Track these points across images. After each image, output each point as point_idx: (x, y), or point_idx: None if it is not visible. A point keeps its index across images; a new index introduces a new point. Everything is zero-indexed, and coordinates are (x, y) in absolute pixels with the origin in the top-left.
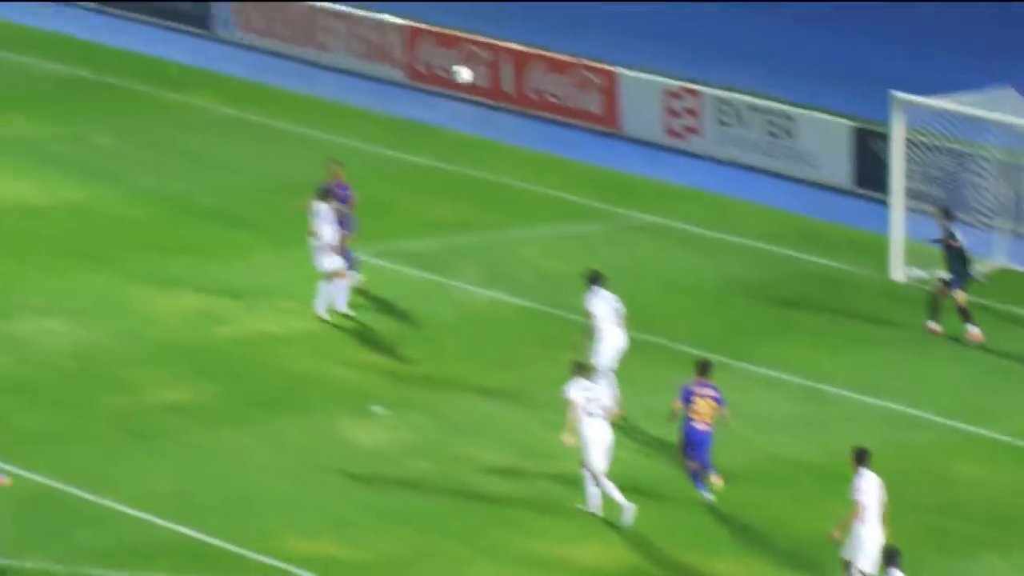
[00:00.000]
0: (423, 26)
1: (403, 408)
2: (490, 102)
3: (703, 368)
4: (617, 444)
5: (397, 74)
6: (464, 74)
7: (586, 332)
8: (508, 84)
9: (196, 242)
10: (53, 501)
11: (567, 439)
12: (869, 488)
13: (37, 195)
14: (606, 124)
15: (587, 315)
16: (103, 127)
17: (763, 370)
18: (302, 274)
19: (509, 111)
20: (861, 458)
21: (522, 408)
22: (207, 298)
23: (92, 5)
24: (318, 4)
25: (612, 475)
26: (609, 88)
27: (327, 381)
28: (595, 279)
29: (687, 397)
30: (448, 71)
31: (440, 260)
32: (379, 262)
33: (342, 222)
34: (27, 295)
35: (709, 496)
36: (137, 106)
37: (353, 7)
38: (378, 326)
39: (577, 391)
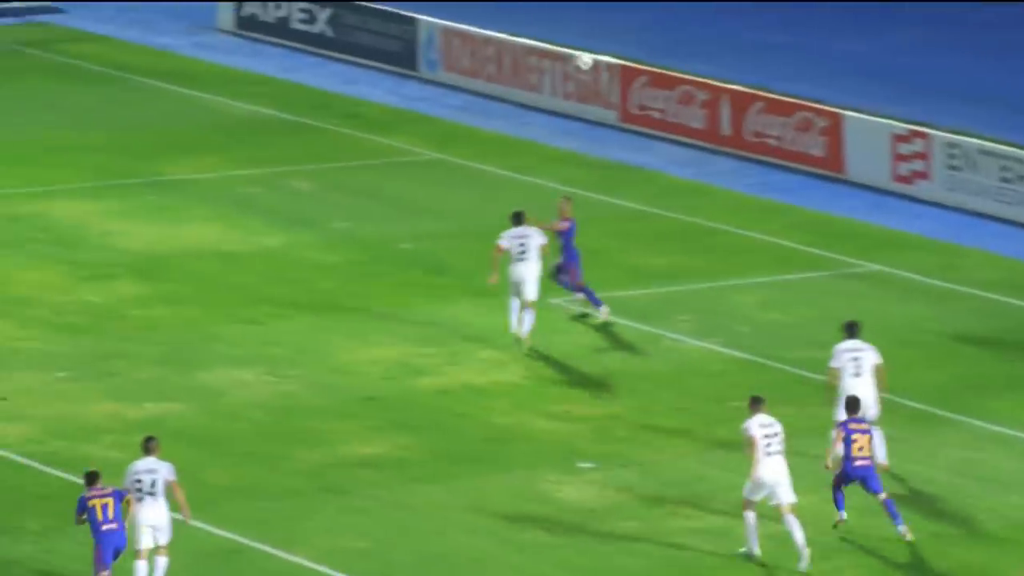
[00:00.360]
0: (637, 66)
1: (611, 464)
2: (707, 145)
3: (852, 405)
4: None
5: (610, 116)
6: (585, 59)
7: (828, 386)
8: (726, 126)
9: (395, 289)
10: (243, 557)
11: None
12: None
13: (232, 240)
14: (829, 168)
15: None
16: (301, 170)
17: (993, 426)
18: (505, 322)
19: (727, 154)
20: None
21: (735, 464)
22: (405, 348)
23: (291, 43)
24: (528, 43)
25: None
26: (833, 131)
27: (531, 435)
28: (845, 329)
29: (848, 436)
30: (664, 112)
31: (652, 309)
32: (588, 310)
33: (566, 259)
34: (220, 344)
35: (905, 531)
36: (336, 148)
37: (564, 46)
38: (586, 378)
39: (756, 427)
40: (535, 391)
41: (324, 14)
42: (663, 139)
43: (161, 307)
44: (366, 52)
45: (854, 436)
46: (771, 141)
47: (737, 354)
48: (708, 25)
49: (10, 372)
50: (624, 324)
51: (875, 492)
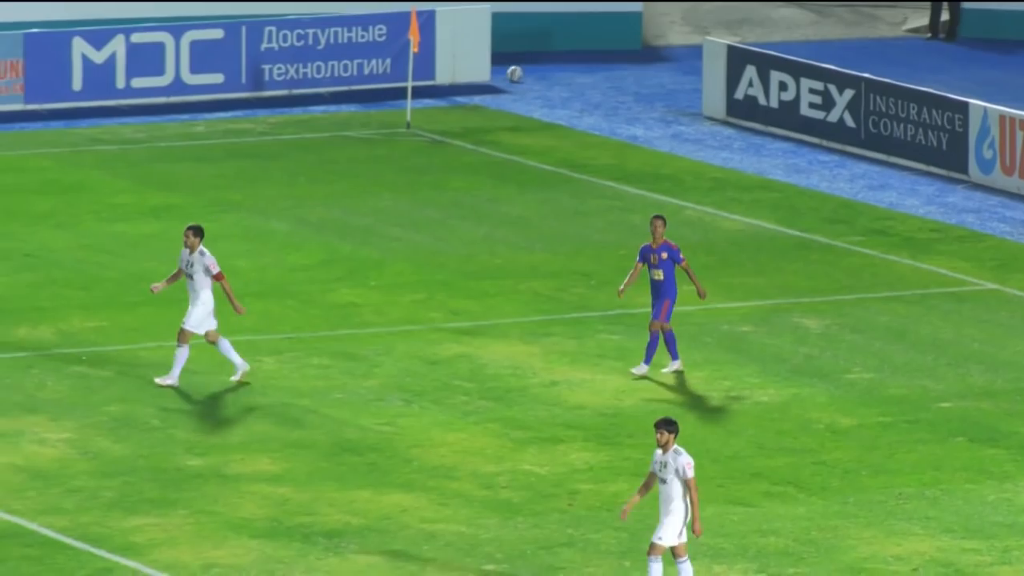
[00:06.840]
0: None
1: None
2: None
3: None
4: None
5: None
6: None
7: None
8: None
9: (929, 460)
10: None
11: None
12: None
13: (717, 394)
14: None
15: None
16: (808, 303)
17: None
18: None
19: None
20: None
21: None
22: (944, 540)
23: (799, 135)
24: None
25: None
26: None
27: None
28: None
29: None
30: None
31: None
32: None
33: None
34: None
35: None
36: (856, 275)
37: None
38: None
39: None
40: None
41: (844, 97)
42: None
43: (622, 481)
44: (899, 147)
45: None
46: None
47: None
48: None
49: (423, 565)
50: None
51: None
